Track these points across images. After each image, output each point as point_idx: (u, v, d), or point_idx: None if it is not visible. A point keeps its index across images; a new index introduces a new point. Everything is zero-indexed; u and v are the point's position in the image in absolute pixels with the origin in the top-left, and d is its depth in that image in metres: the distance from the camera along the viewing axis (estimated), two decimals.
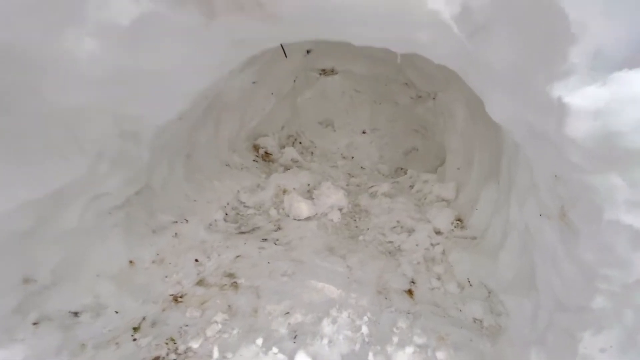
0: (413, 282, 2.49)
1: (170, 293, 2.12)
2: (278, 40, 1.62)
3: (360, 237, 3.09)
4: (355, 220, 3.44)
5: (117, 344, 1.72)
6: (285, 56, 2.82)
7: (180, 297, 2.12)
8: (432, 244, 2.89)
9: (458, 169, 3.62)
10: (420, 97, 4.39)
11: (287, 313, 2.06)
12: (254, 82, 3.65)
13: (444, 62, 1.49)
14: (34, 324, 1.53)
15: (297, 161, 4.54)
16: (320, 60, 4.22)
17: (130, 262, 2.11)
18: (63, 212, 1.58)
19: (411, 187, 3.99)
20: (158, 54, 1.22)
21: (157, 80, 1.27)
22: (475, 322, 2.07)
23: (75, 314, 1.74)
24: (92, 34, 1.06)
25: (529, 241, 1.62)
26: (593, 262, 1.09)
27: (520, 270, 1.83)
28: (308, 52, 3.79)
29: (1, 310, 1.45)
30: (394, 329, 2.00)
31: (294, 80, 4.50)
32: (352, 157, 5.26)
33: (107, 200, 1.86)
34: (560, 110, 0.99)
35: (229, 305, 2.08)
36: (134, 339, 1.77)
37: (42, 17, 0.97)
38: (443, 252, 2.76)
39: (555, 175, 1.21)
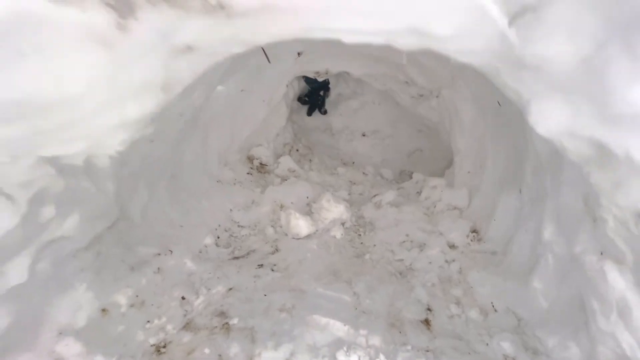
0: (429, 309, 2.20)
1: (152, 343, 1.84)
2: (241, 42, 1.29)
3: (367, 256, 2.80)
4: (359, 235, 3.15)
5: None
6: (269, 61, 2.53)
7: (164, 346, 1.84)
8: (446, 261, 2.60)
9: (469, 172, 3.32)
10: (422, 95, 4.09)
11: None
12: (242, 90, 3.37)
13: (469, 59, 1.16)
14: None
15: (294, 171, 4.24)
16: (313, 63, 3.92)
17: (103, 310, 1.83)
18: (5, 269, 1.30)
19: (418, 193, 3.69)
20: (50, 74, 0.90)
21: (65, 110, 0.96)
22: (506, 359, 1.78)
23: None
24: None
25: (578, 276, 1.32)
26: None
27: (560, 304, 1.54)
28: (299, 54, 3.50)
29: None
30: None
31: (287, 85, 4.22)
32: (353, 163, 4.98)
33: (66, 245, 1.58)
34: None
35: (220, 355, 1.80)
36: None
37: None
38: (460, 271, 2.47)
39: (638, 214, 0.92)
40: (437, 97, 3.77)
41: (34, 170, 1.13)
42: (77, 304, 1.70)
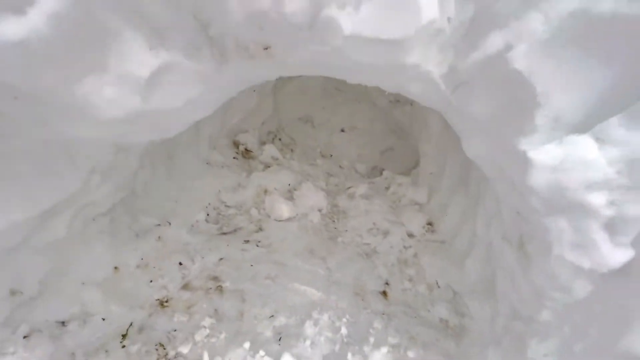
0: (387, 283, 2.69)
1: (156, 298, 2.16)
2: (280, 75, 1.70)
3: (339, 239, 3.24)
4: (334, 221, 3.59)
5: (106, 351, 1.76)
6: None
7: (166, 301, 2.17)
8: (405, 247, 3.10)
9: (431, 173, 3.85)
10: (398, 101, 4.56)
11: (272, 316, 2.18)
12: None
13: (429, 105, 1.63)
14: (25, 337, 1.54)
15: (277, 159, 4.58)
16: None
17: (116, 268, 2.12)
18: (52, 224, 1.57)
19: (387, 188, 4.18)
20: (171, 97, 1.25)
21: (164, 116, 1.30)
22: (441, 321, 2.31)
23: (63, 323, 1.75)
24: (111, 83, 1.07)
25: (492, 257, 1.83)
26: (542, 285, 1.29)
27: (483, 278, 2.06)
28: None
29: None
30: (370, 330, 2.19)
31: (276, 78, 4.49)
32: (331, 155, 5.38)
33: (93, 209, 1.86)
34: (524, 162, 1.17)
35: (216, 309, 2.17)
36: (123, 346, 1.82)
37: (66, 67, 0.97)
38: (415, 255, 2.99)
39: (518, 212, 1.40)
40: (410, 104, 4.25)
41: (101, 148, 1.41)
42: (96, 261, 1.98)
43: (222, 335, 1.99)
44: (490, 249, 1.90)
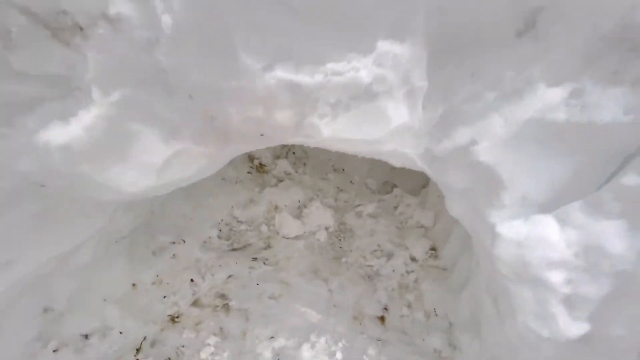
0: (386, 308, 2.79)
1: (168, 313, 2.36)
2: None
3: (344, 259, 3.36)
4: (340, 240, 3.71)
5: None
6: None
7: (177, 317, 2.36)
8: (407, 271, 3.18)
9: (438, 196, 3.89)
10: None
11: (272, 337, 2.34)
12: None
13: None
14: (54, 351, 1.77)
15: (289, 173, 4.75)
16: None
17: (133, 285, 2.34)
18: (79, 252, 1.79)
19: (395, 207, 4.26)
20: (181, 172, 1.44)
21: (175, 183, 1.51)
22: (435, 352, 2.39)
23: (86, 336, 1.97)
24: (131, 170, 1.27)
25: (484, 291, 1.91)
26: (514, 342, 1.36)
27: (475, 315, 2.13)
28: None
29: (25, 337, 1.68)
30: (364, 357, 2.30)
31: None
32: (343, 170, 5.49)
33: (115, 234, 2.07)
34: (493, 234, 1.25)
35: (221, 328, 2.34)
36: (137, 359, 2.03)
37: (97, 161, 1.18)
38: (416, 280, 3.06)
39: (490, 274, 1.47)
40: None
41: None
42: (115, 279, 2.21)
43: (225, 354, 2.16)
44: (484, 283, 1.96)
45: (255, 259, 3.13)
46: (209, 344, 2.19)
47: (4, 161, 1.07)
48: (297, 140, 1.41)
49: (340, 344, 2.37)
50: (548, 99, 1.00)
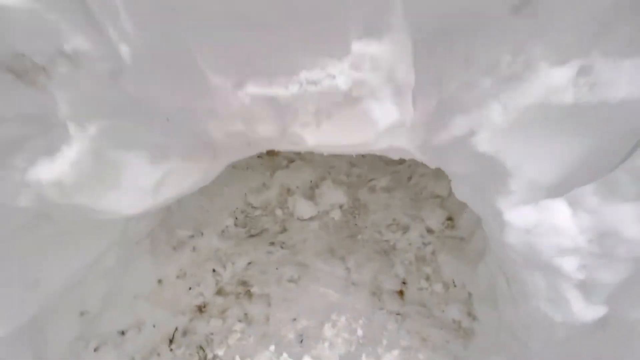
0: (404, 282, 2.83)
1: (195, 304, 2.50)
2: None
3: (359, 236, 3.39)
4: (354, 217, 3.72)
5: (158, 354, 2.14)
6: None
7: (204, 307, 2.50)
8: (423, 244, 3.18)
9: None
10: None
11: (294, 319, 2.44)
12: None
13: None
14: (95, 349, 1.93)
15: (299, 153, 4.72)
16: None
17: (159, 281, 2.47)
18: (104, 258, 1.89)
19: (409, 179, 4.18)
20: (176, 188, 1.44)
21: (174, 197, 1.53)
22: (454, 322, 2.43)
23: (123, 332, 2.14)
24: (126, 195, 1.28)
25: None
26: (528, 322, 1.35)
27: (493, 286, 2.12)
28: None
29: (67, 338, 1.84)
30: (384, 332, 2.37)
31: None
32: None
33: (135, 236, 2.16)
34: (501, 222, 1.19)
35: (245, 314, 2.47)
36: (171, 349, 2.19)
37: (90, 190, 1.19)
38: (433, 252, 3.07)
39: (501, 256, 1.43)
40: None
41: None
42: (142, 277, 2.33)
43: (251, 339, 2.29)
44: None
45: (272, 243, 3.21)
46: (235, 330, 2.32)
47: (4, 200, 1.11)
48: (285, 147, 1.38)
49: (360, 321, 2.45)
50: (552, 81, 0.90)
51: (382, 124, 1.12)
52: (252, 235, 3.33)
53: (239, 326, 2.35)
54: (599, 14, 0.80)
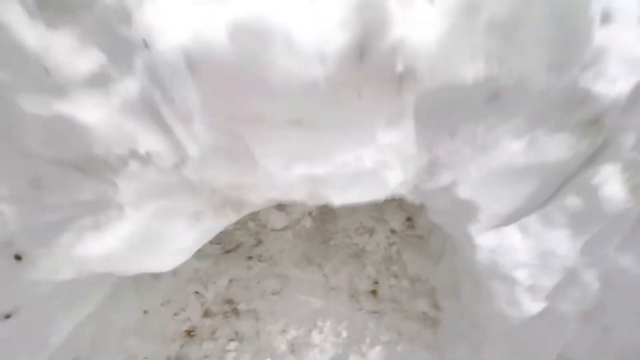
0: (376, 282, 3.15)
1: (184, 329, 2.54)
2: None
3: (331, 242, 3.63)
4: (324, 223, 3.96)
5: None
6: None
7: (192, 331, 2.55)
8: (389, 244, 3.54)
9: None
10: None
11: (284, 330, 2.61)
12: None
13: None
14: None
15: None
16: None
17: (145, 311, 2.46)
18: (83, 307, 1.87)
19: None
20: (208, 238, 1.52)
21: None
22: (423, 314, 2.81)
23: None
24: (165, 258, 1.34)
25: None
26: (487, 314, 1.73)
27: (454, 281, 2.52)
28: None
29: None
30: (366, 330, 2.66)
31: None
32: None
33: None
34: (472, 244, 1.53)
35: (236, 332, 2.57)
36: None
37: (137, 257, 1.24)
38: (398, 252, 3.43)
39: (469, 267, 1.79)
40: None
41: None
42: (127, 311, 2.31)
43: (246, 356, 2.41)
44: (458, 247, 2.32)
45: (250, 257, 3.31)
46: (230, 350, 2.42)
47: (47, 277, 1.11)
48: (308, 202, 1.54)
49: (343, 324, 2.71)
50: (511, 150, 1.22)
51: (392, 184, 1.36)
52: (227, 251, 3.39)
53: (232, 345, 2.45)
54: (541, 107, 1.13)
